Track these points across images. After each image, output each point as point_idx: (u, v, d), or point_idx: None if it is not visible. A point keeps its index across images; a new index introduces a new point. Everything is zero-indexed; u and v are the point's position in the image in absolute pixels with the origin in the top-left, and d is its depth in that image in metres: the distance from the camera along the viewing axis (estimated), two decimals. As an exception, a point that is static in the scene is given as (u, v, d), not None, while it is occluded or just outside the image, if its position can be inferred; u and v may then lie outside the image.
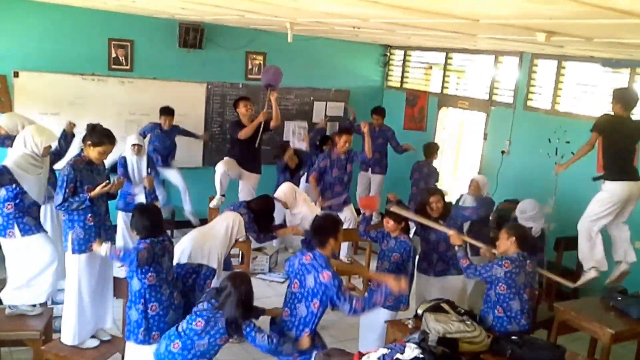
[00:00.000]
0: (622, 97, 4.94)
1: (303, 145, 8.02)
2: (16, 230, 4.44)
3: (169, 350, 3.66)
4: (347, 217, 6.77)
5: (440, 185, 7.37)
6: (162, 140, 7.27)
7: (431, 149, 7.62)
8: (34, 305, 4.59)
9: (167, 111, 7.21)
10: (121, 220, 6.54)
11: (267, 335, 3.64)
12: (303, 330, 3.83)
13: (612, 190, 4.92)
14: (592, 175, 5.16)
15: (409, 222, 4.93)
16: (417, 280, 4.99)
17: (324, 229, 3.93)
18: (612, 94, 5.04)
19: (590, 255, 5.07)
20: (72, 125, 5.45)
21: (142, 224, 3.91)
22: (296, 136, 7.79)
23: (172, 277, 4.09)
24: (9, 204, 4.42)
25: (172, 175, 7.46)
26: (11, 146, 4.79)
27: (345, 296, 3.73)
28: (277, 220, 5.78)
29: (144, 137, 7.01)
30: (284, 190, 5.57)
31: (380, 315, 4.57)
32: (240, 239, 4.91)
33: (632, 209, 5.05)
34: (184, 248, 4.47)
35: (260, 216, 5.10)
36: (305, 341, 3.77)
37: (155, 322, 3.90)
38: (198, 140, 7.94)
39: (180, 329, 3.72)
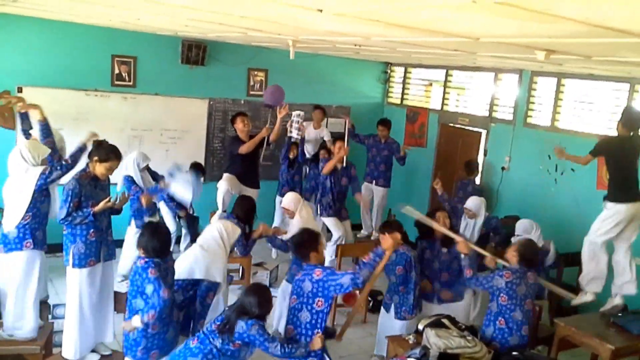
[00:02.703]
0: (626, 118, 4.96)
1: (299, 135, 7.81)
2: (31, 242, 4.34)
3: (187, 346, 3.66)
4: (343, 233, 6.81)
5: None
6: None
7: (472, 166, 7.36)
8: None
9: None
10: (131, 236, 6.41)
11: (279, 344, 3.64)
12: (313, 334, 3.89)
13: (615, 210, 4.94)
14: (592, 192, 5.20)
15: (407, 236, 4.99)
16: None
17: (304, 244, 4.15)
18: (621, 112, 5.09)
19: (592, 274, 5.08)
20: (93, 135, 4.99)
21: (152, 245, 3.82)
22: (294, 126, 7.68)
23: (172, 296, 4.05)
24: (27, 215, 4.35)
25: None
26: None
27: (342, 273, 3.93)
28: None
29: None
30: (290, 198, 5.60)
31: (395, 326, 4.80)
32: (236, 250, 4.94)
33: (639, 232, 5.07)
34: (184, 267, 4.41)
35: (247, 218, 5.15)
36: (317, 342, 3.82)
37: (155, 340, 3.86)
38: (198, 155, 7.97)
39: (202, 330, 3.73)
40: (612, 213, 4.94)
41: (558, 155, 5.37)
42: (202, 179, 7.10)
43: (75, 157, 4.60)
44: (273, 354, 3.68)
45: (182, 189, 5.73)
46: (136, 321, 3.75)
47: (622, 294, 5.08)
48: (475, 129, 7.95)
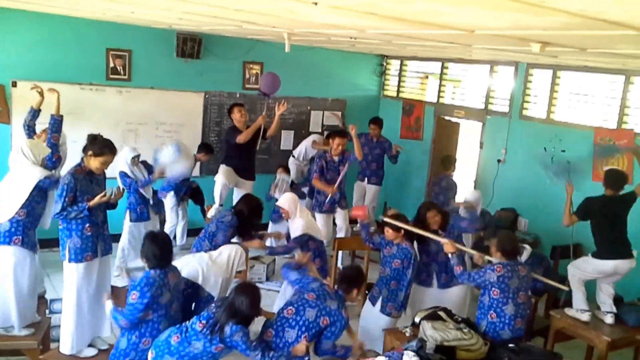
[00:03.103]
0: (612, 179, 5.06)
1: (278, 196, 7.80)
2: (20, 239, 4.35)
3: (168, 341, 3.64)
4: (341, 224, 6.82)
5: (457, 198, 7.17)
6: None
7: (448, 161, 7.37)
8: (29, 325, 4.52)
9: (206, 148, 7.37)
10: (127, 231, 6.45)
11: (261, 353, 3.63)
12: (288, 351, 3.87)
13: (598, 265, 5.04)
14: (588, 184, 5.21)
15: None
16: (413, 291, 5.01)
17: (353, 281, 4.14)
18: (604, 175, 5.18)
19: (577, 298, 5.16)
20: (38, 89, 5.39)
21: (152, 252, 3.82)
22: (278, 187, 7.69)
23: (173, 311, 3.97)
24: (22, 211, 4.36)
25: None
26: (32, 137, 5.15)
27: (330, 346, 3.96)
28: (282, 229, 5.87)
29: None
30: (286, 199, 5.58)
31: (379, 321, 4.75)
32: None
33: (619, 279, 5.14)
34: (189, 269, 4.38)
35: (247, 216, 5.14)
36: (301, 347, 3.77)
37: (144, 356, 3.81)
38: (194, 149, 7.96)
39: (186, 324, 3.71)
40: (595, 266, 5.05)
41: (569, 190, 5.34)
42: (193, 154, 7.15)
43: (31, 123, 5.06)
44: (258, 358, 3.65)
45: (172, 164, 5.86)
46: (108, 305, 3.88)
47: (612, 314, 5.11)
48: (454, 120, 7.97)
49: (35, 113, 5.45)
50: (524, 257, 5.54)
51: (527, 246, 5.72)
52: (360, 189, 8.14)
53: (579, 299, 5.10)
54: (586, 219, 5.08)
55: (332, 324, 3.89)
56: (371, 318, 4.85)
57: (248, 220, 5.16)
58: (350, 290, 4.09)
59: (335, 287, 4.19)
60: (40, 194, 4.46)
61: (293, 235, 5.42)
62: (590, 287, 5.19)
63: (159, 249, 3.84)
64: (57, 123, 5.07)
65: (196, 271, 4.35)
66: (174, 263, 4.20)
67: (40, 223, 4.59)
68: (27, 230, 4.38)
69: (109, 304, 3.91)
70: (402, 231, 4.80)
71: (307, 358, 3.85)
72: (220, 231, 5.06)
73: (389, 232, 4.81)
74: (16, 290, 4.38)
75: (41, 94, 5.37)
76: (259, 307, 3.77)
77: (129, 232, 6.34)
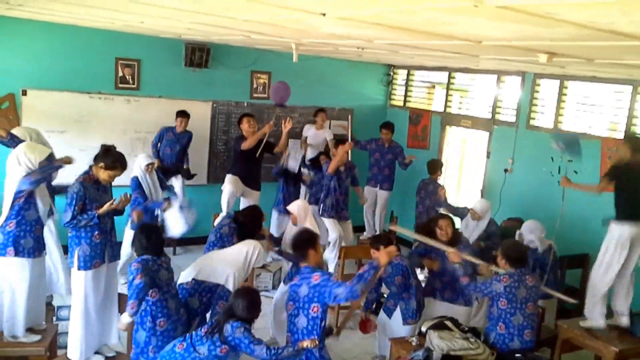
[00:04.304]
0: (630, 142, 5.04)
1: (295, 165, 7.88)
2: (12, 249, 4.32)
3: (173, 350, 3.66)
4: (340, 234, 6.83)
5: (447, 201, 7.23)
6: (172, 146, 7.35)
7: (435, 166, 7.53)
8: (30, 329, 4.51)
9: (183, 113, 7.35)
10: (127, 240, 6.43)
11: (265, 347, 3.60)
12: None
13: (616, 232, 4.94)
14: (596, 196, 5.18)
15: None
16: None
17: (302, 242, 4.04)
18: (624, 140, 5.13)
19: (592, 309, 5.11)
20: (69, 160, 5.13)
21: (139, 241, 3.98)
22: (291, 156, 7.80)
23: (175, 291, 4.10)
24: (11, 222, 4.34)
25: (176, 187, 7.51)
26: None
27: (338, 282, 3.77)
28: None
29: (157, 145, 7.20)
30: (298, 204, 5.61)
31: (401, 331, 4.85)
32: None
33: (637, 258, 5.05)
34: (202, 265, 4.42)
35: (247, 225, 5.17)
36: (305, 342, 3.71)
37: (164, 338, 3.89)
38: (202, 157, 8.01)
39: (191, 332, 3.75)
40: (614, 235, 4.94)
41: (563, 184, 5.30)
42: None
43: (46, 172, 4.48)
44: (259, 356, 3.62)
45: (176, 223, 5.76)
46: (125, 317, 3.86)
47: (626, 315, 5.06)
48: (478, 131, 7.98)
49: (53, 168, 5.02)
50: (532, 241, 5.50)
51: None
52: (371, 195, 8.13)
53: (597, 310, 5.05)
54: (616, 184, 4.97)
55: (322, 277, 3.81)
56: (390, 329, 4.91)
57: (249, 229, 5.18)
58: (306, 252, 3.94)
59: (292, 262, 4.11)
60: (27, 200, 4.34)
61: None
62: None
63: (145, 237, 3.96)
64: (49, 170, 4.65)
65: (211, 268, 4.36)
66: (190, 269, 4.29)
67: (45, 223, 4.56)
68: (19, 239, 4.33)
69: (125, 317, 3.93)
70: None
71: (319, 346, 3.79)
72: (225, 243, 5.05)
73: (375, 254, 4.79)
74: (19, 297, 4.38)
75: (69, 161, 5.13)
76: (258, 310, 3.77)
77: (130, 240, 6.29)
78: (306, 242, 4.04)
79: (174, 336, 3.91)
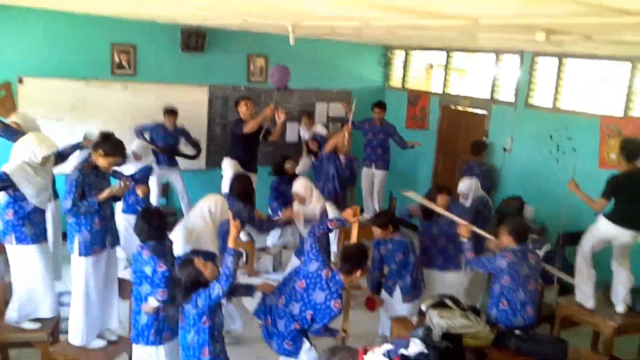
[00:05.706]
0: (626, 149, 4.95)
1: (323, 131, 8.29)
2: (12, 237, 4.41)
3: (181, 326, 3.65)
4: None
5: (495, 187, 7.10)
6: (166, 141, 7.32)
7: (479, 147, 7.25)
8: (37, 319, 4.54)
9: (170, 112, 7.26)
10: (122, 224, 6.43)
11: (217, 282, 3.47)
12: (293, 323, 3.91)
13: (602, 228, 4.94)
14: (594, 171, 5.16)
15: (405, 220, 5.31)
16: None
17: (354, 260, 3.93)
18: (620, 146, 5.05)
19: (582, 287, 5.12)
20: (90, 142, 5.21)
21: (142, 227, 3.87)
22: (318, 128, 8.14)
23: (175, 274, 4.10)
24: (9, 211, 4.40)
25: (174, 178, 7.51)
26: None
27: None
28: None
29: (141, 133, 7.13)
30: (302, 184, 5.43)
31: (400, 309, 4.91)
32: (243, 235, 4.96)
33: (626, 253, 5.05)
34: (183, 235, 4.39)
35: (248, 196, 5.23)
36: (265, 286, 3.93)
37: (166, 322, 3.90)
38: (199, 142, 8.00)
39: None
40: (597, 228, 4.96)
41: (571, 187, 5.21)
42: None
43: (67, 153, 4.72)
44: (222, 288, 3.42)
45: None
46: (152, 301, 3.80)
47: (624, 303, 5.07)
48: (477, 111, 7.95)
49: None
50: (541, 253, 5.56)
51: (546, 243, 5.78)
52: (368, 176, 8.11)
53: (587, 285, 5.09)
54: (615, 197, 4.94)
55: (317, 313, 3.86)
56: (392, 308, 4.98)
57: (248, 198, 5.25)
58: (353, 270, 3.88)
59: (338, 268, 3.98)
60: (19, 191, 4.36)
61: (315, 216, 5.37)
62: (602, 273, 5.18)
63: (147, 224, 3.88)
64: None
65: (195, 235, 4.36)
66: (178, 241, 4.30)
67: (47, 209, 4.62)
68: (19, 227, 4.40)
69: (152, 301, 3.84)
70: (390, 226, 4.83)
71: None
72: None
73: (377, 232, 4.86)
74: (26, 283, 4.45)
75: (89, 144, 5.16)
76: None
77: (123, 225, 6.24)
78: (358, 261, 3.92)
79: (175, 320, 3.90)
